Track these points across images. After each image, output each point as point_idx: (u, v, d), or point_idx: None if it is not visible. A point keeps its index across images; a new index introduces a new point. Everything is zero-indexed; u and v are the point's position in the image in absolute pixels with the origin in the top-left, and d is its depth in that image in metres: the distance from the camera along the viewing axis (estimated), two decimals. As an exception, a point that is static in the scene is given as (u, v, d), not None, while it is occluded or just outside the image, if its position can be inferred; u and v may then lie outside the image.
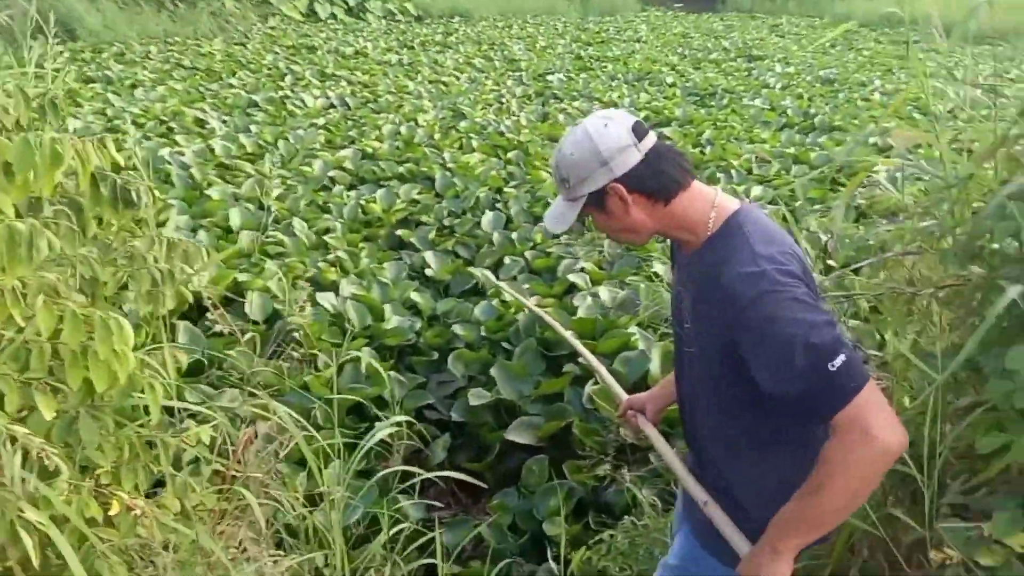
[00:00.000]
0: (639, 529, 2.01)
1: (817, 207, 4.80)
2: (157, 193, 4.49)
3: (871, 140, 6.62)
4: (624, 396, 1.82)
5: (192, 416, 1.67)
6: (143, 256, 1.06)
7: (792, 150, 6.22)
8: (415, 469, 1.89)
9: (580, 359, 2.23)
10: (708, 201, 1.28)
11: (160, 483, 1.12)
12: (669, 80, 10.10)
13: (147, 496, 1.11)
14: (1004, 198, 1.11)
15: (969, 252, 1.23)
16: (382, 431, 1.89)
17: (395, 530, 2.23)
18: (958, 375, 1.21)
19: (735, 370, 1.22)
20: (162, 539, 1.03)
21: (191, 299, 1.23)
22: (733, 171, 5.59)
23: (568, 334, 2.25)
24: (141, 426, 1.07)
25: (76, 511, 0.89)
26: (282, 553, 1.36)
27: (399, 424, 2.07)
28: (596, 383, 2.83)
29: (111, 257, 1.06)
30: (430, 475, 1.98)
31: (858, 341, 1.64)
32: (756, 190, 5.19)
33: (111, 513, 0.96)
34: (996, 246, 1.21)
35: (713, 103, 8.67)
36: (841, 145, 6.45)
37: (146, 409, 1.01)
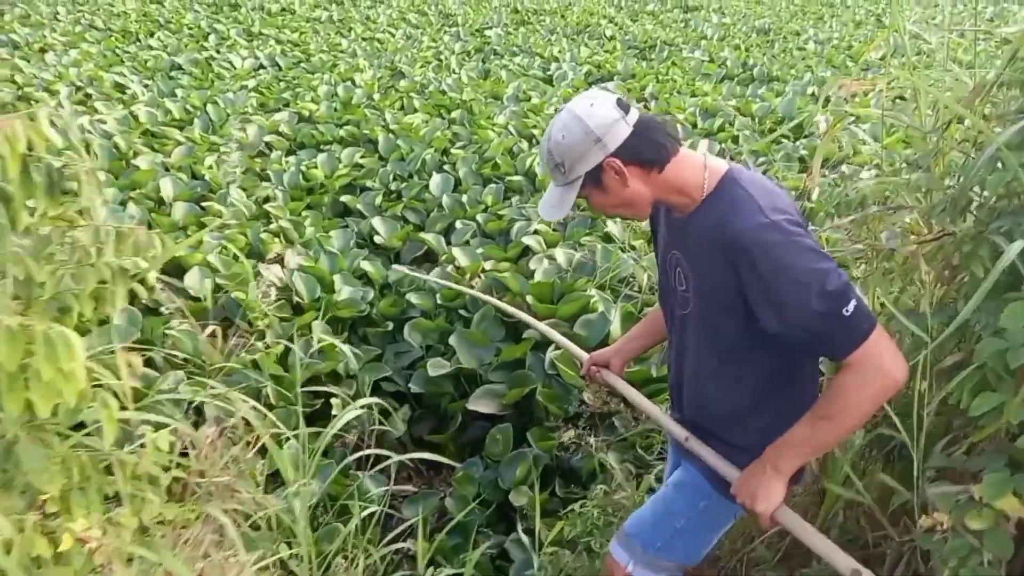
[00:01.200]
0: (609, 498, 1.99)
1: (761, 160, 4.83)
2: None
3: (808, 91, 6.70)
4: (584, 355, 1.86)
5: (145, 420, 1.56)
6: (88, 250, 0.93)
7: (734, 102, 6.22)
8: (385, 452, 1.81)
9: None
10: (699, 164, 1.30)
11: (115, 496, 1.02)
12: (608, 33, 9.99)
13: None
14: (996, 148, 1.08)
15: (959, 206, 1.21)
16: (349, 413, 1.80)
17: (364, 514, 2.17)
18: (941, 332, 1.20)
19: (741, 320, 1.26)
20: (121, 568, 0.94)
21: (145, 295, 1.11)
22: (679, 125, 5.57)
23: (511, 309, 2.24)
24: (91, 438, 0.96)
25: (19, 552, 0.78)
26: (247, 555, 1.28)
27: (368, 407, 1.97)
28: (557, 348, 2.79)
29: (49, 253, 0.93)
30: (400, 458, 1.91)
31: None
32: (703, 143, 5.19)
33: (61, 549, 0.85)
34: (986, 197, 1.20)
35: (654, 56, 8.62)
36: (780, 96, 6.50)
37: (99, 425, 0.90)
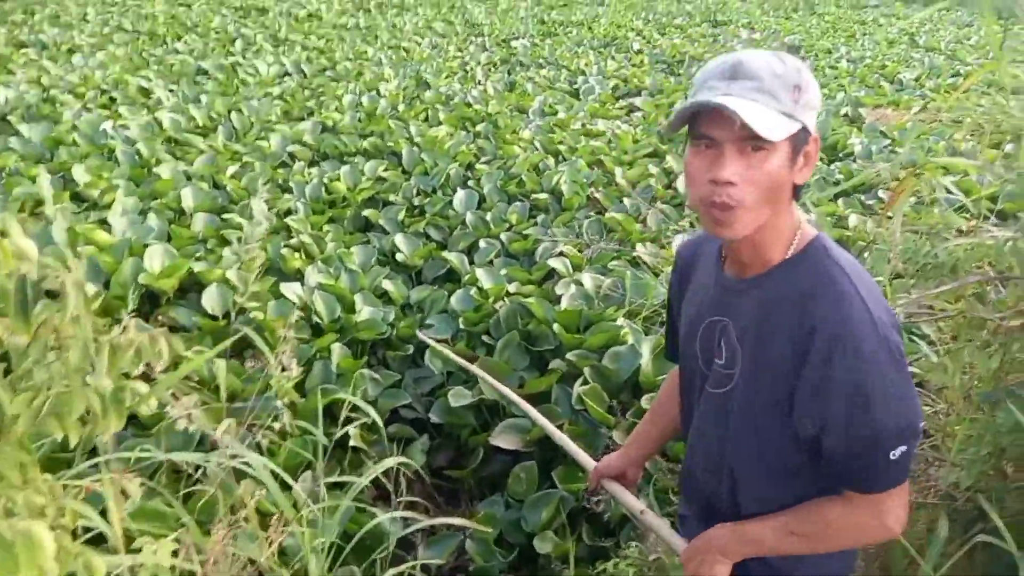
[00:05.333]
0: (643, 556, 1.86)
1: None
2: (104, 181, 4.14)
3: (842, 111, 6.54)
4: (592, 465, 1.61)
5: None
6: (75, 371, 0.81)
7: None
8: (410, 515, 1.68)
9: (535, 422, 2.05)
10: (797, 219, 1.09)
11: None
12: (636, 46, 9.87)
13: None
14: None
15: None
16: (378, 469, 1.69)
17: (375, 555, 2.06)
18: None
19: (781, 415, 1.08)
20: None
21: (148, 412, 0.99)
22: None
23: (522, 402, 2.05)
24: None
25: None
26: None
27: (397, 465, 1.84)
28: (586, 382, 2.67)
29: (27, 371, 0.81)
30: (429, 522, 1.78)
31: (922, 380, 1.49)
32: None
33: None
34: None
35: (682, 71, 8.49)
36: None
37: None
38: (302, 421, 2.61)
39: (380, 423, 1.85)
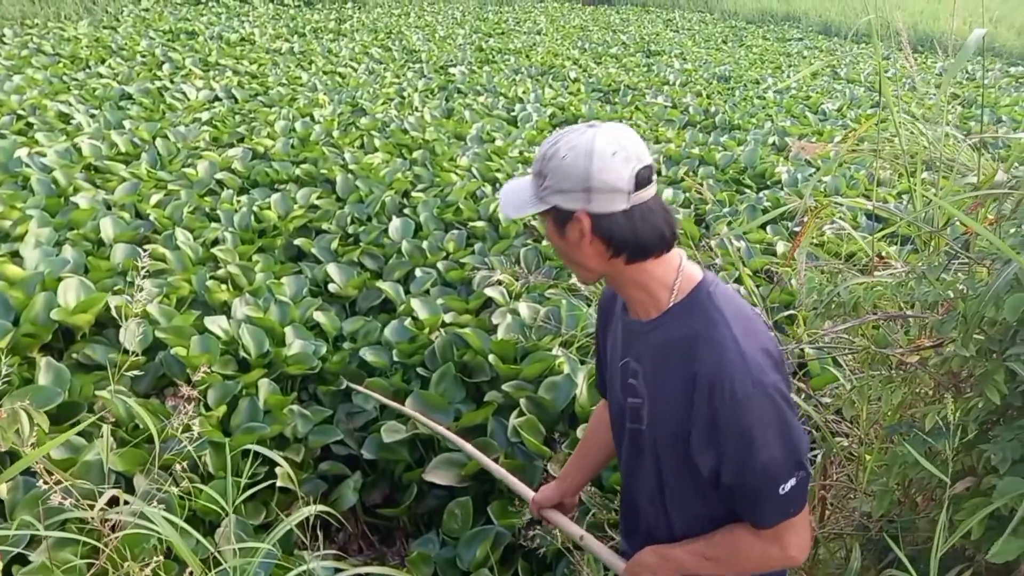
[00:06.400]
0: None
1: (726, 210, 4.80)
2: (16, 204, 3.92)
3: (769, 140, 6.77)
4: (529, 494, 1.71)
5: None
6: None
7: (697, 150, 6.23)
8: (334, 564, 1.60)
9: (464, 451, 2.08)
10: (673, 266, 1.17)
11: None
12: (572, 75, 10.03)
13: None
14: (1018, 266, 0.98)
15: (971, 324, 1.11)
16: (295, 519, 1.60)
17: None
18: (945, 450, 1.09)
19: (681, 455, 1.17)
20: None
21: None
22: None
23: (456, 437, 2.07)
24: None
25: None
26: None
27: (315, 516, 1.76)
28: (522, 414, 2.64)
29: None
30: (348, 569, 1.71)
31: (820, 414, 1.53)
32: (667, 192, 5.15)
33: None
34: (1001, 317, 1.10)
35: (617, 100, 8.65)
36: (742, 144, 6.54)
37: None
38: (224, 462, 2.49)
39: (287, 467, 1.77)
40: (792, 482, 1.09)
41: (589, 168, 1.07)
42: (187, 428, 2.64)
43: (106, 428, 2.15)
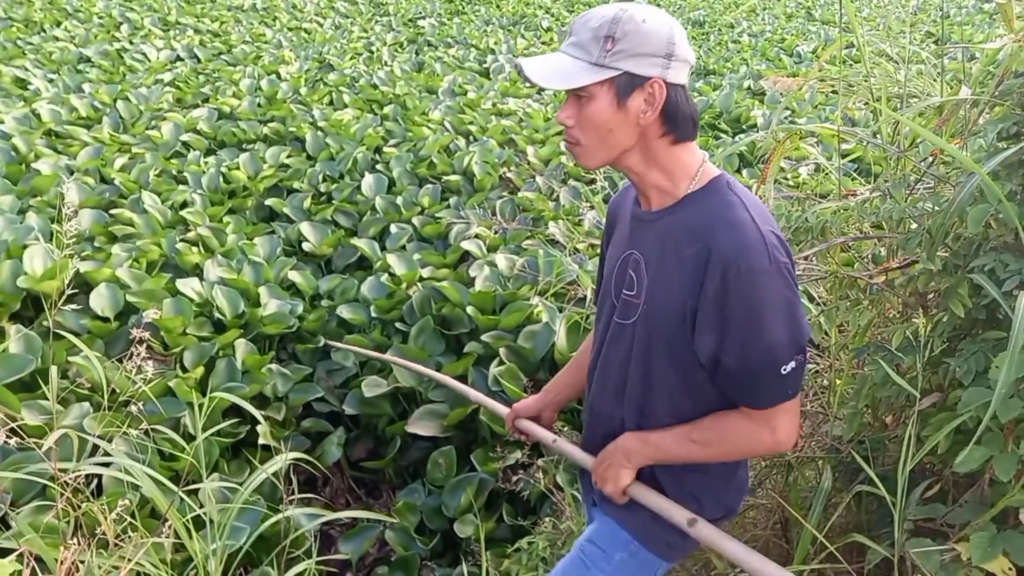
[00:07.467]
0: (559, 531, 1.85)
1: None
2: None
3: (745, 84, 6.72)
4: (505, 411, 1.65)
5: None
6: None
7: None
8: (315, 511, 1.61)
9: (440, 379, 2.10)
10: (698, 157, 1.15)
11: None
12: (545, 24, 9.86)
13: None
14: (980, 178, 0.97)
15: (935, 239, 1.11)
16: (273, 466, 1.60)
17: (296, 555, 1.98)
18: (914, 368, 1.11)
19: (682, 339, 1.15)
20: None
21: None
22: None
23: (423, 368, 2.10)
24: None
25: None
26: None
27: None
28: (502, 363, 2.64)
29: None
30: (334, 517, 1.72)
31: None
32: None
33: None
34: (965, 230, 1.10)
35: (590, 48, 8.52)
36: (718, 90, 6.49)
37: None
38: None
39: (261, 419, 1.76)
40: (792, 364, 1.08)
41: (672, 35, 1.05)
42: (139, 370, 2.61)
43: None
